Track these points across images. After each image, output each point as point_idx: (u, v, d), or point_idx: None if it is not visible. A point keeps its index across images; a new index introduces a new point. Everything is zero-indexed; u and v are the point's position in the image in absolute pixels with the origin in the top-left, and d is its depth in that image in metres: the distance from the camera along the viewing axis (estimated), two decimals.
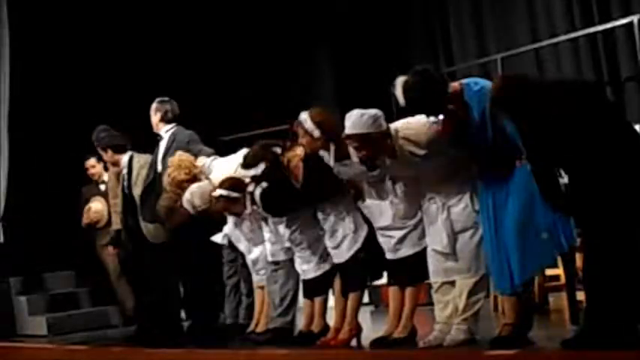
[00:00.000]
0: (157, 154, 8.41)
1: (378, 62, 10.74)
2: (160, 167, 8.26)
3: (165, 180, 7.77)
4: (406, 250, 6.07)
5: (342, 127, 5.84)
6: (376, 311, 8.84)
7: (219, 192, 7.12)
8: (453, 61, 10.32)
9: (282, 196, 6.64)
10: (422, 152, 5.69)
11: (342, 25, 11.19)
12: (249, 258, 7.42)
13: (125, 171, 8.69)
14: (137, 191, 8.51)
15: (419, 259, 6.00)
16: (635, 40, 8.71)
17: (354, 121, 5.75)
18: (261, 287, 7.40)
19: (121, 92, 11.21)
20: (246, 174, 6.79)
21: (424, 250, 5.98)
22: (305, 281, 6.93)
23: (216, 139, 7.37)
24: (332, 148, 6.09)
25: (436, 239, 5.87)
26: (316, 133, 6.12)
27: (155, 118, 8.44)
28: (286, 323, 7.12)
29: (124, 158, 8.71)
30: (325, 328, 6.80)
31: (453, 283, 5.86)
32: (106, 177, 9.78)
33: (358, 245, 6.42)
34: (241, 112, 11.42)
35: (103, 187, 10.01)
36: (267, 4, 11.68)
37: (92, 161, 10.19)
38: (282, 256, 7.09)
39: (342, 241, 6.47)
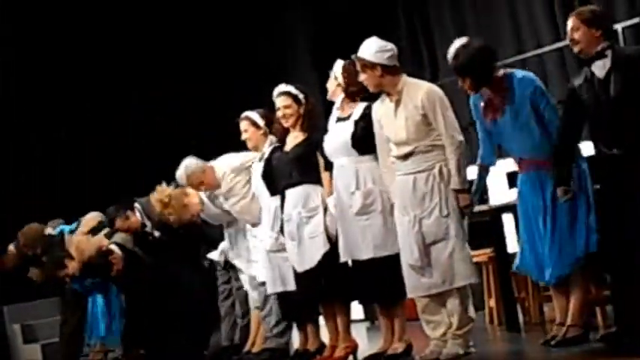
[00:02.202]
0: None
1: None
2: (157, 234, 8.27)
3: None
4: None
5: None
6: (372, 327, 8.82)
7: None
8: (438, 76, 10.33)
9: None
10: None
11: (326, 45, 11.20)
12: (248, 273, 7.39)
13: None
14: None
15: (392, 277, 5.96)
16: None
17: (368, 46, 5.93)
18: (258, 307, 7.40)
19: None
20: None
21: (397, 267, 5.93)
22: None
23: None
24: (341, 97, 6.33)
25: (408, 253, 5.82)
26: (340, 79, 6.31)
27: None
28: (282, 344, 7.12)
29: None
30: (321, 346, 6.79)
31: (438, 302, 5.83)
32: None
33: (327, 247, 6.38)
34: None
35: None
36: None
37: None
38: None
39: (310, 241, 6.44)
